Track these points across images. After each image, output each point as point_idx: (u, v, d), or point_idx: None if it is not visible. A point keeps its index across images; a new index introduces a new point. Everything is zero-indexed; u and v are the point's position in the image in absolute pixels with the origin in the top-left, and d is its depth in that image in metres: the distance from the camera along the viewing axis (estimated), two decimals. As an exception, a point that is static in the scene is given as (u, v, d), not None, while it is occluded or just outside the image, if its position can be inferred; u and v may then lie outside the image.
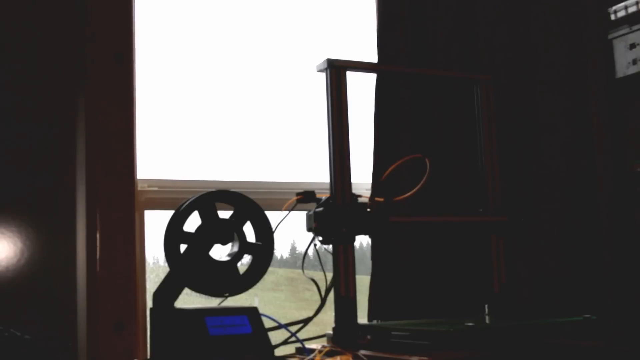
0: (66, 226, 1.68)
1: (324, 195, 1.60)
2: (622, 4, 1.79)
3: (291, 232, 1.89)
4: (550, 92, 2.08)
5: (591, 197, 1.95)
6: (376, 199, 1.63)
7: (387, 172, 1.69)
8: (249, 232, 1.47)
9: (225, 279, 1.43)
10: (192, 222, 1.42)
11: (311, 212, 1.59)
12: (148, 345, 1.66)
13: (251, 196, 1.49)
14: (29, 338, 1.33)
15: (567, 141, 2.04)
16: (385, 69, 1.95)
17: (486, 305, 1.75)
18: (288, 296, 2.12)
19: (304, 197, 1.63)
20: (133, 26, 1.77)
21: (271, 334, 1.40)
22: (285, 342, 1.54)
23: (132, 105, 1.75)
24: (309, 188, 1.69)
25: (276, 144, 2.06)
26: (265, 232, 1.48)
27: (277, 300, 2.10)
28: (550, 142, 2.05)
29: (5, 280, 1.61)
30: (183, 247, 1.41)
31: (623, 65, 1.81)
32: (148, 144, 1.85)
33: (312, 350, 1.43)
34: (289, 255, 2.18)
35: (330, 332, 1.57)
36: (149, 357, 1.58)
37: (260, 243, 1.48)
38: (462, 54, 2.06)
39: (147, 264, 1.80)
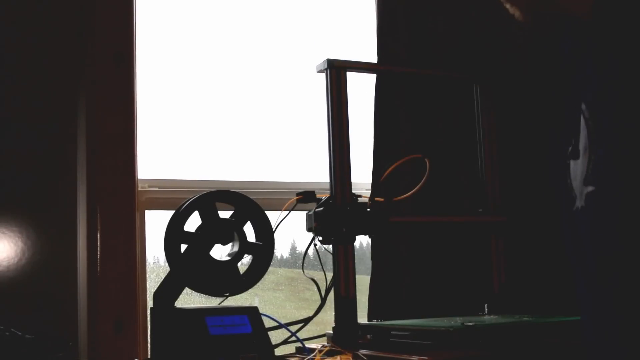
0: (67, 226, 1.68)
1: (324, 195, 1.61)
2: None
3: (291, 232, 1.90)
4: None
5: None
6: (376, 199, 1.63)
7: (387, 172, 1.69)
8: (249, 232, 1.48)
9: (226, 279, 1.44)
10: (193, 222, 1.42)
11: (311, 212, 1.59)
12: (149, 345, 1.67)
13: (251, 196, 1.49)
14: (30, 337, 1.33)
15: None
16: (385, 69, 1.95)
17: (486, 305, 1.75)
18: (288, 296, 2.12)
19: (304, 197, 1.64)
20: (134, 26, 1.77)
21: (271, 334, 1.40)
22: (286, 342, 1.54)
23: (133, 105, 1.75)
24: (309, 188, 1.69)
25: (276, 144, 2.06)
26: (265, 232, 1.49)
27: (277, 300, 2.10)
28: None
29: (6, 280, 1.61)
30: (183, 247, 1.41)
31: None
32: (149, 143, 1.85)
33: (312, 350, 1.44)
34: (289, 255, 2.18)
35: (330, 331, 1.57)
36: (149, 356, 1.59)
37: (260, 243, 1.48)
38: (462, 54, 2.06)
39: (147, 264, 1.80)
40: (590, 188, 0.91)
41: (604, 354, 0.97)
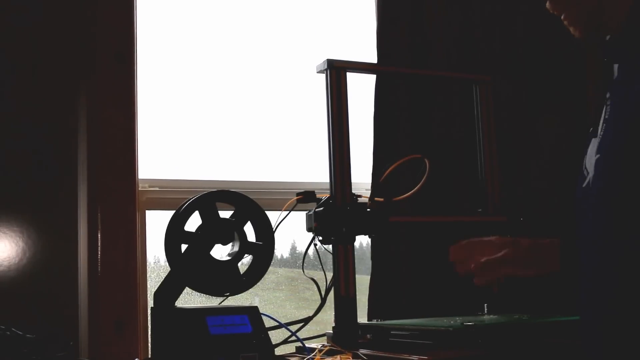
0: (68, 226, 1.68)
1: (324, 195, 1.61)
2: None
3: (291, 232, 1.90)
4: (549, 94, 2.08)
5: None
6: (376, 199, 1.63)
7: (387, 172, 1.69)
8: (250, 231, 1.48)
9: (226, 279, 1.44)
10: (193, 222, 1.43)
11: (311, 212, 1.59)
12: (149, 345, 1.67)
13: (251, 196, 1.49)
14: (30, 337, 1.33)
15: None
16: (385, 69, 1.96)
17: (486, 305, 1.75)
18: (288, 296, 2.12)
19: (304, 197, 1.64)
20: (135, 26, 1.78)
21: (271, 333, 1.40)
22: (286, 342, 1.54)
23: (134, 105, 1.75)
24: (309, 188, 1.69)
25: (276, 144, 2.07)
26: (265, 232, 1.49)
27: (277, 299, 2.10)
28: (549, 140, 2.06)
29: (7, 280, 1.61)
30: (184, 247, 1.41)
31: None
32: (149, 143, 1.85)
33: (312, 350, 1.44)
34: (289, 255, 2.18)
35: (330, 331, 1.57)
36: (149, 356, 1.59)
37: (260, 243, 1.48)
38: (462, 54, 2.06)
39: (148, 264, 1.80)
40: (597, 156, 1.12)
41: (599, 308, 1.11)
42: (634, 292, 1.05)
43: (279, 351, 1.46)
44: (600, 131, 1.13)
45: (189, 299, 1.86)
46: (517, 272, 1.37)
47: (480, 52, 2.08)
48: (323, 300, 1.62)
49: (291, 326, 1.53)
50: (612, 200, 1.08)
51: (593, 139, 1.15)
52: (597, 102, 1.24)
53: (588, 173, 1.15)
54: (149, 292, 1.79)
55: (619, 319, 1.08)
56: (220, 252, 1.46)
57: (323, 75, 1.62)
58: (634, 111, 1.07)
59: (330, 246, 1.59)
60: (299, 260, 1.75)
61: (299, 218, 1.67)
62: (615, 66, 1.17)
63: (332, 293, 1.59)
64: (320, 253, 1.65)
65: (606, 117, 1.13)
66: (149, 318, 1.53)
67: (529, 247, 1.37)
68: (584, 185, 1.16)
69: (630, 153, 1.06)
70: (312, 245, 1.62)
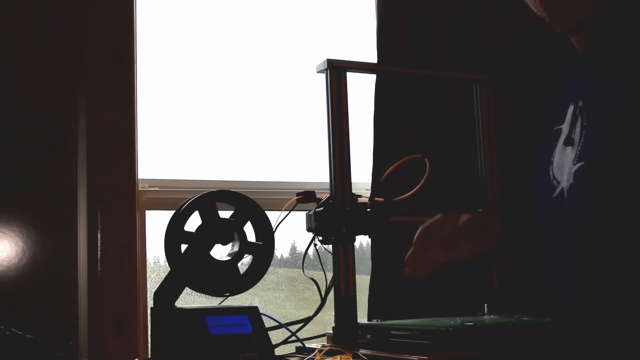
0: (67, 226, 1.68)
1: (324, 195, 1.61)
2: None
3: (291, 232, 1.90)
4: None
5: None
6: (376, 199, 1.63)
7: (387, 172, 1.69)
8: (250, 232, 1.48)
9: (226, 279, 1.44)
10: (193, 222, 1.43)
11: (311, 212, 1.59)
12: (149, 345, 1.67)
13: (251, 196, 1.49)
14: (30, 337, 1.33)
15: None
16: (385, 69, 1.96)
17: (486, 305, 1.75)
18: (288, 296, 2.12)
19: (304, 197, 1.64)
20: (134, 26, 1.78)
21: (271, 334, 1.40)
22: (286, 342, 1.54)
23: (133, 105, 1.75)
24: (309, 188, 1.69)
25: (276, 144, 2.07)
26: (265, 232, 1.49)
27: (277, 299, 2.10)
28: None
29: (6, 280, 1.61)
30: (184, 247, 1.41)
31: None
32: (149, 143, 1.85)
33: (312, 350, 1.44)
34: (289, 255, 2.18)
35: (330, 331, 1.57)
36: (149, 356, 1.59)
37: (260, 243, 1.48)
38: (462, 54, 2.06)
39: (147, 264, 1.80)
40: (579, 164, 1.09)
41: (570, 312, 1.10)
42: (616, 298, 1.03)
43: (279, 351, 1.46)
44: (579, 139, 1.10)
45: (189, 299, 1.86)
46: (449, 258, 1.44)
47: (480, 52, 2.08)
48: (323, 300, 1.62)
49: (291, 326, 1.53)
50: (604, 208, 1.05)
51: (567, 148, 1.12)
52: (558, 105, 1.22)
53: (559, 183, 1.13)
54: (148, 292, 1.79)
55: (597, 323, 1.06)
56: (220, 252, 1.46)
57: (323, 75, 1.62)
58: (623, 116, 1.03)
59: (330, 246, 1.59)
60: (299, 260, 1.75)
61: (299, 218, 1.67)
62: (588, 74, 1.13)
63: (332, 293, 1.59)
64: (320, 253, 1.65)
65: (584, 124, 1.10)
66: (149, 318, 1.53)
67: (466, 224, 1.42)
68: (554, 195, 1.14)
69: (622, 157, 1.03)
70: (312, 245, 1.62)
